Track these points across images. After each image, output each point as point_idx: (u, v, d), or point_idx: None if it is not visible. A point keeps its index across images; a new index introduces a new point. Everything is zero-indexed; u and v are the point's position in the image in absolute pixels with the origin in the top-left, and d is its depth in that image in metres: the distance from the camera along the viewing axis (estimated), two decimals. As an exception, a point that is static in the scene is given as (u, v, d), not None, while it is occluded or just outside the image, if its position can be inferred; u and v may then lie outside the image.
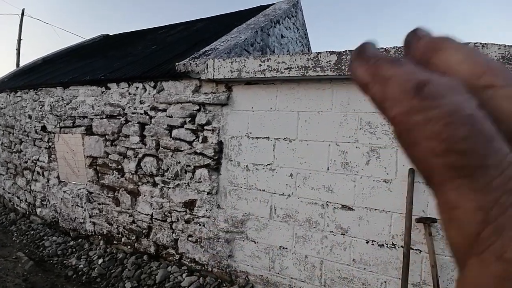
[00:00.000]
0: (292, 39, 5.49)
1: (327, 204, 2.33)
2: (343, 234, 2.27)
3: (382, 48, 1.99)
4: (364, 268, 2.21)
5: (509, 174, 0.10)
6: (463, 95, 0.11)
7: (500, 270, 0.10)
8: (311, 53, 2.25)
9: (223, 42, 3.54)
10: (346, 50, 2.12)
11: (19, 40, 12.24)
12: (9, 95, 5.07)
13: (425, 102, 0.11)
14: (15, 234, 4.17)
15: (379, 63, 0.13)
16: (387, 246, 2.13)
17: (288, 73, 2.30)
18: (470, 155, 0.10)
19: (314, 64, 2.21)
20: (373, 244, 2.17)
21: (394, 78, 0.12)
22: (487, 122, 0.11)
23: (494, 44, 1.80)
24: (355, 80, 0.14)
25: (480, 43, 1.84)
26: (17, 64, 11.69)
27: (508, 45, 1.78)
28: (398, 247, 2.08)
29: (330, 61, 2.15)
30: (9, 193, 5.16)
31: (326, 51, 2.18)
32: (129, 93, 3.31)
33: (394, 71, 0.12)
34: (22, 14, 12.22)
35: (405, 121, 0.12)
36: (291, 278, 2.49)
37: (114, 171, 3.46)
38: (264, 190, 2.57)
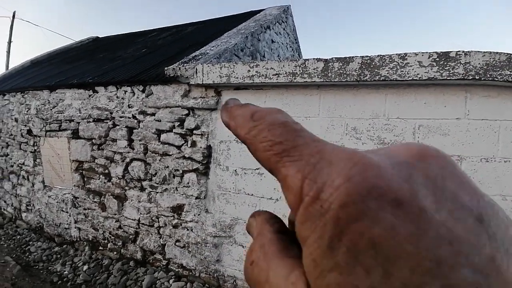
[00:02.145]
0: (282, 44, 5.55)
1: (314, 209, 2.34)
2: (330, 239, 2.29)
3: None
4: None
5: (312, 146, 0.15)
6: (279, 113, 0.18)
7: (317, 208, 0.13)
8: (299, 60, 2.28)
9: (213, 47, 3.55)
10: (332, 58, 2.16)
11: (9, 42, 12.03)
12: (-5, 98, 4.96)
13: (256, 122, 0.17)
14: (3, 238, 4.08)
15: (232, 109, 0.19)
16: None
17: (277, 79, 2.33)
18: (286, 142, 0.16)
19: (301, 71, 2.24)
20: None
21: (239, 114, 0.19)
22: (297, 124, 0.17)
23: (478, 51, 1.83)
24: (223, 123, 0.20)
25: (463, 51, 1.88)
26: (7, 66, 11.51)
27: (493, 52, 1.82)
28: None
29: (317, 68, 2.19)
30: (-6, 197, 5.03)
31: (313, 58, 2.22)
32: (117, 97, 3.28)
33: (240, 111, 0.19)
34: (13, 16, 12.03)
35: (248, 137, 0.17)
36: (279, 283, 2.49)
37: (101, 176, 3.41)
38: (252, 194, 2.58)
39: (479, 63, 1.81)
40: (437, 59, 1.86)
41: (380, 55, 1.98)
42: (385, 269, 0.11)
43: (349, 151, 0.15)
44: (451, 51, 1.88)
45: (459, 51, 1.89)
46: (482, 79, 1.81)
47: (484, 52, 1.81)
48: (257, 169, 2.55)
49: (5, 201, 4.79)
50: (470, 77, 1.82)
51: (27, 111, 4.21)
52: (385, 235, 0.11)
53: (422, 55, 1.88)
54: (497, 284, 0.11)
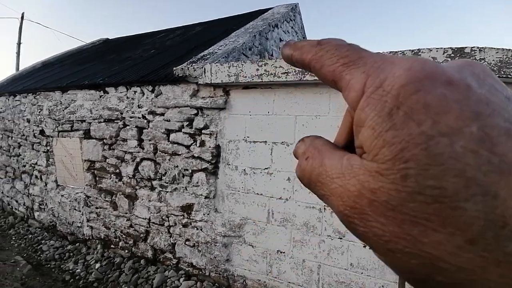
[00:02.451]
0: (290, 43, 5.51)
1: (324, 208, 2.32)
2: (341, 238, 2.27)
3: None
4: (362, 272, 2.20)
5: (376, 56, 0.17)
6: (343, 40, 0.19)
7: (379, 93, 0.15)
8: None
9: (221, 46, 3.55)
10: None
11: (19, 43, 12.26)
12: (8, 99, 5.07)
13: (323, 45, 0.19)
14: (14, 238, 4.16)
15: (296, 43, 0.21)
16: (384, 251, 2.12)
17: (286, 78, 2.31)
18: (351, 55, 0.17)
19: (311, 69, 2.21)
20: (370, 248, 2.16)
21: (306, 43, 0.20)
22: (361, 47, 0.18)
23: (492, 48, 1.79)
24: (283, 57, 0.22)
25: (478, 47, 1.84)
26: (17, 68, 11.71)
27: (506, 49, 1.78)
28: (396, 252, 2.07)
29: (326, 65, 2.16)
30: (7, 196, 5.15)
31: (323, 56, 2.19)
32: (127, 97, 3.32)
33: (305, 42, 0.20)
34: (22, 18, 12.26)
35: (315, 57, 0.19)
36: (289, 282, 2.48)
37: (112, 175, 3.46)
38: (261, 194, 2.57)
39: (493, 60, 1.76)
40: (452, 55, 1.81)
41: (392, 51, 1.94)
42: (434, 120, 0.14)
43: (409, 56, 0.16)
44: (466, 47, 1.83)
45: (473, 47, 1.84)
46: (497, 75, 1.75)
47: (497, 49, 1.77)
48: (266, 168, 2.54)
49: (16, 201, 4.90)
50: (485, 74, 1.76)
51: (39, 112, 4.29)
52: (437, 99, 0.14)
53: (437, 51, 1.83)
54: None
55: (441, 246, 0.13)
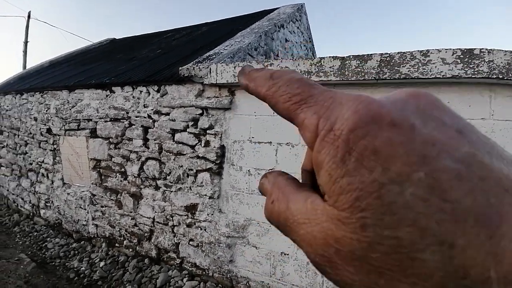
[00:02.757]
0: (296, 43, 5.50)
1: (329, 210, 2.30)
2: (346, 241, 2.24)
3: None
4: (367, 276, 2.17)
5: (325, 94, 0.17)
6: (294, 72, 0.20)
7: (331, 136, 0.16)
8: (314, 58, 2.24)
9: (226, 46, 3.55)
10: (350, 55, 2.11)
11: (26, 42, 12.39)
12: (15, 97, 5.13)
13: (275, 80, 0.19)
14: (18, 236, 4.19)
15: (251, 72, 0.22)
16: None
17: (291, 78, 2.29)
18: (302, 93, 0.18)
19: (317, 69, 2.20)
20: None
21: (259, 76, 0.21)
22: (311, 80, 0.19)
23: (500, 50, 1.77)
24: (241, 87, 0.22)
25: (486, 49, 1.81)
26: (24, 66, 11.85)
27: (514, 52, 1.75)
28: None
29: (333, 66, 2.14)
30: (13, 194, 5.21)
31: (330, 56, 2.17)
32: (133, 97, 3.33)
33: (258, 73, 0.21)
34: (28, 16, 12.41)
35: (269, 93, 0.20)
36: (292, 284, 2.46)
37: (117, 174, 3.47)
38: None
39: (501, 62, 1.74)
40: (461, 56, 1.78)
41: (401, 52, 1.92)
42: (384, 167, 0.14)
43: (355, 94, 0.17)
44: (475, 48, 1.80)
45: (482, 48, 1.82)
46: (505, 78, 1.73)
47: (506, 51, 1.76)
48: (271, 169, 2.53)
49: (22, 199, 4.95)
50: (494, 76, 1.74)
51: (46, 111, 4.33)
52: (384, 144, 0.14)
53: (446, 52, 1.80)
54: (480, 172, 0.13)
55: None
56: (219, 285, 2.79)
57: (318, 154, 0.16)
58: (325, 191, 0.16)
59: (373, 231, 0.13)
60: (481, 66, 1.76)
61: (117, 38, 8.86)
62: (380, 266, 0.14)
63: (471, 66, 1.76)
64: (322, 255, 0.16)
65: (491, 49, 1.79)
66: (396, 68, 1.93)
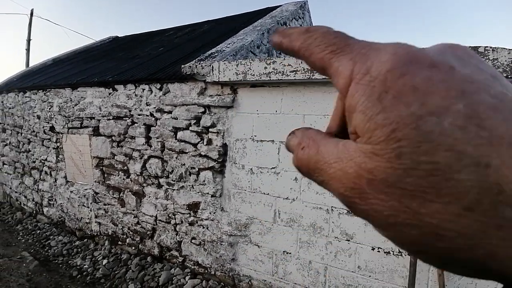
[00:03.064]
0: (299, 41, 5.46)
1: (332, 209, 2.29)
2: (348, 240, 2.23)
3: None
4: (370, 276, 2.16)
5: (363, 43, 0.17)
6: (330, 28, 0.19)
7: (367, 79, 0.16)
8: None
9: (229, 44, 3.53)
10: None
11: (29, 40, 12.43)
12: (18, 95, 5.14)
13: (311, 32, 0.19)
14: (21, 234, 4.22)
15: (285, 30, 0.21)
16: (393, 254, 2.08)
17: (294, 76, 2.28)
18: (339, 43, 0.18)
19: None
20: (379, 251, 2.13)
21: (294, 31, 0.20)
22: (348, 34, 0.19)
23: (504, 48, 1.76)
24: (273, 44, 0.22)
25: (491, 47, 1.80)
26: (27, 64, 11.89)
27: (518, 50, 1.73)
28: (405, 255, 2.04)
29: (336, 64, 2.12)
30: (16, 192, 5.24)
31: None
32: (136, 95, 3.33)
33: (293, 29, 0.21)
34: (31, 14, 12.44)
35: (304, 45, 0.19)
36: (295, 283, 2.46)
37: (120, 172, 3.48)
38: (268, 193, 2.55)
39: (505, 60, 1.74)
40: (466, 54, 1.76)
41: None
42: (421, 101, 0.14)
43: (393, 42, 0.17)
44: (479, 46, 1.80)
45: (487, 46, 1.81)
46: (509, 76, 1.72)
47: (509, 49, 1.76)
48: (273, 168, 2.52)
49: (25, 196, 4.98)
50: (499, 74, 1.72)
51: (49, 109, 4.34)
52: (423, 81, 0.15)
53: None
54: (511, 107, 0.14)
55: (439, 214, 0.14)
56: (221, 283, 2.79)
57: (351, 98, 0.16)
58: (358, 132, 0.16)
59: (409, 158, 0.14)
60: (486, 64, 1.74)
61: (119, 36, 8.87)
62: (413, 189, 0.14)
63: (476, 64, 1.75)
64: (352, 188, 0.16)
65: (495, 47, 1.78)
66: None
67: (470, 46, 1.79)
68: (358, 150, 0.16)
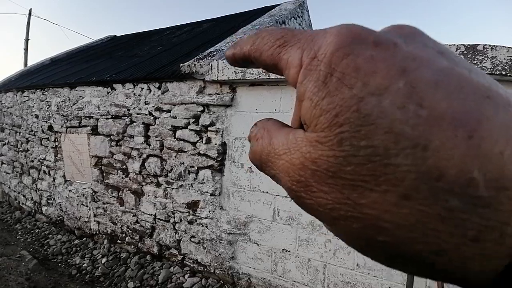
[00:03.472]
0: (297, 40, 5.46)
1: (331, 207, 2.30)
2: (347, 238, 2.24)
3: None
4: (368, 273, 2.17)
5: (309, 31, 0.17)
6: (277, 27, 0.19)
7: (314, 63, 0.15)
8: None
9: (228, 43, 3.54)
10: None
11: (27, 40, 12.39)
12: (16, 95, 5.13)
13: (259, 34, 0.19)
14: (20, 233, 4.21)
15: (234, 42, 0.21)
16: (391, 251, 2.09)
17: (293, 75, 2.28)
18: (285, 36, 0.17)
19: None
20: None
21: (243, 39, 0.20)
22: (291, 27, 0.17)
23: (503, 46, 1.77)
24: (228, 61, 0.22)
25: (489, 45, 1.80)
26: (25, 64, 11.85)
27: (517, 48, 1.74)
28: (403, 252, 2.05)
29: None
30: (14, 191, 5.23)
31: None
32: (134, 94, 3.33)
33: (241, 40, 0.20)
34: (29, 14, 12.40)
35: (253, 47, 0.19)
36: (294, 281, 2.47)
37: (119, 171, 3.48)
38: (267, 192, 2.56)
39: (504, 58, 1.74)
40: (465, 51, 1.77)
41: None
42: (364, 81, 0.14)
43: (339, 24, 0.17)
44: (478, 44, 1.80)
45: (485, 44, 1.82)
46: (508, 74, 1.73)
47: (508, 47, 1.76)
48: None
49: (24, 196, 4.97)
50: (497, 72, 1.73)
51: (47, 108, 4.34)
52: (365, 61, 0.14)
53: (449, 47, 1.79)
54: (458, 81, 0.13)
55: (377, 205, 0.13)
56: (221, 281, 2.80)
57: (300, 85, 0.16)
58: (306, 121, 0.15)
59: (349, 144, 0.14)
60: (484, 62, 1.75)
61: (118, 35, 8.85)
62: (353, 179, 0.14)
63: (474, 62, 1.75)
64: (298, 181, 0.15)
65: (494, 45, 1.79)
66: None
67: (468, 45, 1.79)
68: (304, 139, 0.15)
